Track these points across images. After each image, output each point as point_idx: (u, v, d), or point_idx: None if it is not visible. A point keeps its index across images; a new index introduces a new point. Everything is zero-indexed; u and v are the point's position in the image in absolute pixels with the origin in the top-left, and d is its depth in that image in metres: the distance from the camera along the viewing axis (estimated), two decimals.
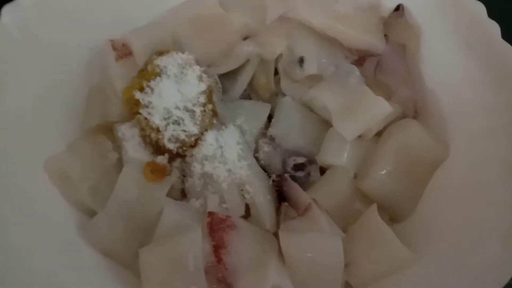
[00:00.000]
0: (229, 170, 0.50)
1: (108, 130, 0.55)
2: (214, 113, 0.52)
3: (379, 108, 0.52)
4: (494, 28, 0.51)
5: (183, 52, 0.51)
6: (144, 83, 0.49)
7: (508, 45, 0.50)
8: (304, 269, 0.46)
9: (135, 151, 0.51)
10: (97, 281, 0.47)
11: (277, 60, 0.57)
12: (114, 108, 0.54)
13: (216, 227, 0.47)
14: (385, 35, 0.58)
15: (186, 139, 0.49)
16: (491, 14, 0.52)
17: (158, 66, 0.49)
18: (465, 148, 0.52)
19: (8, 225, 0.45)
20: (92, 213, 0.51)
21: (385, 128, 0.55)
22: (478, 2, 0.53)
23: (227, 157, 0.50)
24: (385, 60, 0.56)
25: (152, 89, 0.49)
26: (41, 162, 0.51)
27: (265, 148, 0.54)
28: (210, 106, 0.50)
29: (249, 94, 0.59)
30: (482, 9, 0.52)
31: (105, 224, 0.49)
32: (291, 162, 0.54)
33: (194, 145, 0.50)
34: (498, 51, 0.51)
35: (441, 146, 0.53)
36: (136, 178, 0.50)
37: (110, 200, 0.49)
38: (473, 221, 0.48)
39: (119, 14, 0.58)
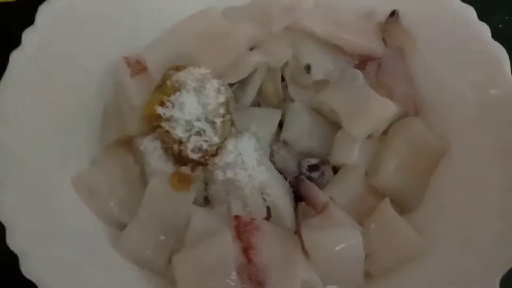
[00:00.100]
0: (250, 176, 0.52)
1: (127, 144, 0.56)
2: (232, 123, 0.54)
3: (386, 109, 0.55)
4: (484, 28, 0.56)
5: (199, 67, 0.53)
6: (165, 98, 0.51)
7: (497, 43, 0.55)
8: (328, 263, 0.49)
9: (158, 163, 0.53)
10: None
11: (283, 68, 0.59)
12: (132, 123, 0.55)
13: (242, 230, 0.49)
14: (383, 40, 0.61)
15: (209, 149, 0.52)
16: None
17: (177, 81, 0.52)
18: (461, 140, 0.56)
19: (43, 238, 0.47)
20: (120, 226, 0.53)
21: (389, 126, 0.57)
22: (468, 5, 0.57)
23: (247, 163, 0.52)
24: (385, 63, 0.59)
25: (172, 104, 0.51)
26: (67, 178, 0.53)
27: (280, 152, 0.57)
28: (228, 116, 0.53)
29: (258, 101, 0.61)
30: (472, 12, 0.56)
31: (136, 235, 0.51)
32: (306, 163, 0.56)
33: (215, 153, 0.52)
34: (488, 48, 0.55)
35: (441, 140, 0.57)
36: (162, 189, 0.52)
37: (139, 211, 0.51)
38: (473, 204, 0.52)
39: (129, 32, 0.60)
